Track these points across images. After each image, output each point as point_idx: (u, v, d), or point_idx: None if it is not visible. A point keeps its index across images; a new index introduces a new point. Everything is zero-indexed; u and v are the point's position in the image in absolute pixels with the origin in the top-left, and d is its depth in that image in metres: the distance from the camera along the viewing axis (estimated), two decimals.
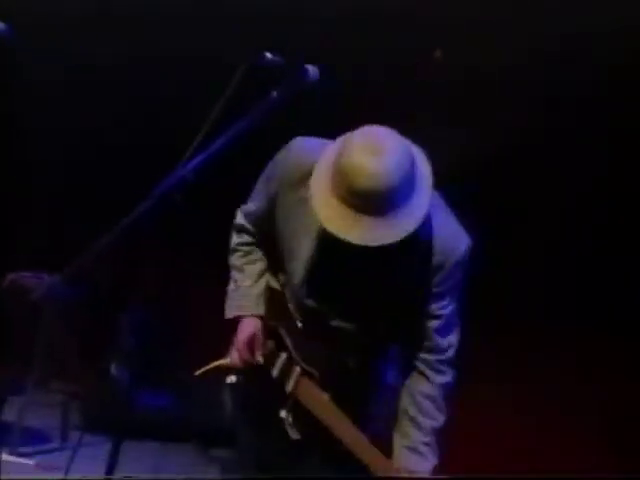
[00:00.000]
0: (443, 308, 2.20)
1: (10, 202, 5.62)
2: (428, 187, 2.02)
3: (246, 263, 2.41)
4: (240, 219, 2.44)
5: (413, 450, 2.21)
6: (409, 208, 1.98)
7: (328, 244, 2.10)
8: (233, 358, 2.34)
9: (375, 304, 2.19)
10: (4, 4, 3.55)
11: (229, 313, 2.39)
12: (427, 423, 2.22)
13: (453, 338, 2.25)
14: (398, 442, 2.23)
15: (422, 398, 2.23)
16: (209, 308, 2.65)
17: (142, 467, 3.99)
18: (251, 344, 2.32)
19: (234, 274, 2.42)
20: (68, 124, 5.30)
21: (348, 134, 2.08)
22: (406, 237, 1.97)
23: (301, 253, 2.21)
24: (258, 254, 2.42)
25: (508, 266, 4.41)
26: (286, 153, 2.27)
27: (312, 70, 2.21)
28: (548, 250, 4.47)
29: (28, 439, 4.46)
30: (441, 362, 2.24)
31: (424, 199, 2.00)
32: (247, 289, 2.38)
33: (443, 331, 2.23)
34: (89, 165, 5.54)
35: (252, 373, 2.34)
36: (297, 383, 2.27)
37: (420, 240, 2.07)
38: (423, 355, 2.23)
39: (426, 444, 2.21)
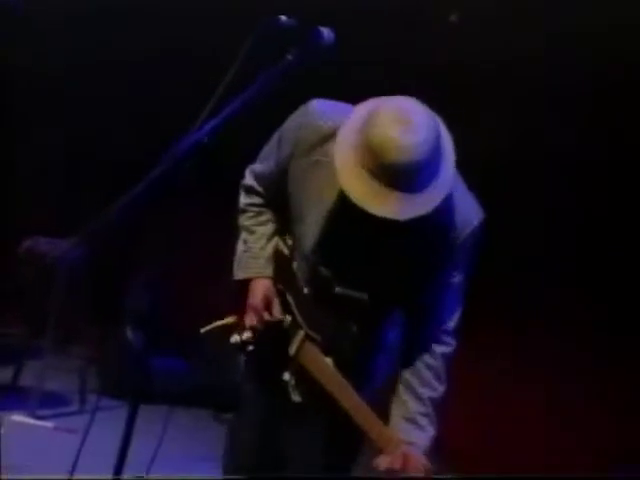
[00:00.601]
0: (452, 278, 2.20)
1: (22, 168, 5.65)
2: (452, 161, 2.02)
3: (256, 224, 2.39)
4: (249, 180, 2.41)
5: (411, 421, 2.20)
6: (436, 181, 1.98)
7: (343, 211, 2.10)
8: (249, 319, 2.32)
9: (385, 272, 2.18)
10: None
11: (240, 274, 2.37)
12: (426, 394, 2.21)
13: (457, 309, 2.24)
14: (396, 412, 2.22)
15: (423, 368, 2.22)
16: (216, 271, 2.63)
17: (155, 431, 4.03)
18: (266, 305, 2.31)
19: (244, 235, 2.40)
20: (81, 92, 5.31)
21: (372, 101, 2.06)
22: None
23: (313, 218, 2.20)
24: (268, 215, 2.40)
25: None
26: (303, 115, 2.24)
27: (327, 33, 2.18)
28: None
29: (46, 402, 4.52)
30: (444, 332, 2.23)
31: (449, 173, 2.01)
32: (258, 251, 2.36)
33: (449, 301, 2.23)
34: (99, 131, 5.55)
35: (258, 334, 2.32)
36: (300, 347, 2.27)
37: (438, 212, 2.04)
38: (426, 324, 2.23)
39: (424, 415, 2.19)
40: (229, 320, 2.37)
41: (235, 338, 2.34)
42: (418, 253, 2.15)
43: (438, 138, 1.99)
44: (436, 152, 1.97)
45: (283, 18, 2.13)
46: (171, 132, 2.27)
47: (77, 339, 5.26)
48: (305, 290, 2.30)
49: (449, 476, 2.25)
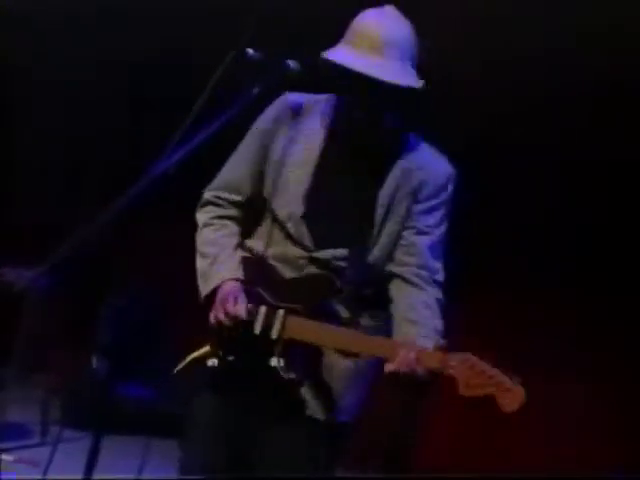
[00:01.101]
0: (432, 226, 2.29)
1: None
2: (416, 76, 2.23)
3: (222, 236, 2.39)
4: (208, 195, 2.44)
5: (411, 322, 2.21)
6: (405, 69, 2.20)
7: (327, 164, 2.28)
8: (214, 315, 2.28)
9: (368, 222, 2.26)
10: None
11: (209, 286, 2.33)
12: (428, 325, 2.21)
13: (441, 265, 2.31)
14: (397, 330, 2.22)
15: (420, 306, 2.24)
16: (192, 298, 2.61)
17: (125, 463, 3.98)
18: (233, 299, 2.28)
19: (208, 249, 2.38)
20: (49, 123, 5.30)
21: None
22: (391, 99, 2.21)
23: (302, 178, 2.29)
24: (232, 227, 2.41)
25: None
26: (282, 97, 2.34)
27: (293, 64, 2.21)
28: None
29: (7, 434, 4.45)
30: (434, 281, 2.28)
31: (413, 77, 2.22)
32: (225, 259, 2.35)
33: (433, 251, 2.29)
34: (70, 151, 5.53)
35: (233, 347, 2.29)
36: (283, 323, 2.23)
37: (405, 155, 2.29)
38: (417, 270, 2.27)
39: (427, 336, 2.19)
40: (204, 350, 2.33)
41: (212, 361, 2.30)
42: (394, 196, 2.27)
43: (414, 46, 2.24)
44: (410, 49, 2.23)
45: (250, 51, 2.16)
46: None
47: (41, 368, 5.20)
48: (282, 270, 2.29)
49: (451, 476, 2.22)
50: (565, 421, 4.66)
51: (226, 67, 2.11)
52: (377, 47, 2.18)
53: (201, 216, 2.44)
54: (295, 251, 2.29)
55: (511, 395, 1.99)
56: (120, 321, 4.85)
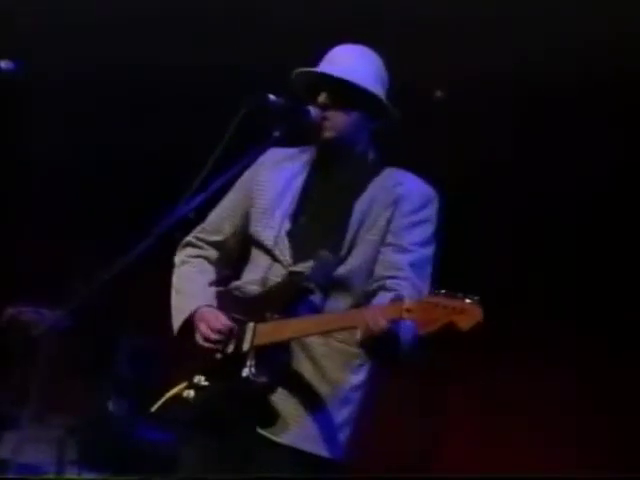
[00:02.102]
0: (414, 244, 2.29)
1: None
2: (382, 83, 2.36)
3: (196, 272, 2.45)
4: (188, 238, 2.50)
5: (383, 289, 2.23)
6: (368, 80, 2.30)
7: (311, 182, 2.37)
8: (203, 333, 2.30)
9: (343, 232, 2.28)
10: None
11: (180, 318, 2.36)
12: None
13: (426, 287, 2.26)
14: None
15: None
16: None
17: None
18: (215, 316, 2.31)
19: (181, 285, 2.43)
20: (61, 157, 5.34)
21: None
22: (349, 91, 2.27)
23: (285, 201, 2.35)
24: (207, 266, 2.47)
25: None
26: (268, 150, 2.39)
27: (313, 111, 2.24)
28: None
29: (24, 474, 4.43)
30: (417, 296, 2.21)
31: (378, 90, 2.32)
32: (198, 292, 2.40)
33: (416, 269, 2.27)
34: (83, 196, 5.58)
35: (207, 371, 2.30)
36: (253, 334, 2.25)
37: (384, 175, 2.35)
38: (397, 281, 2.25)
39: (396, 284, 2.20)
40: (180, 387, 2.33)
41: (188, 393, 2.30)
42: (375, 212, 2.30)
43: (379, 63, 2.37)
44: (377, 66, 2.35)
45: (271, 96, 2.18)
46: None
47: (57, 408, 5.19)
48: (258, 291, 2.31)
49: (451, 476, 2.19)
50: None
51: (246, 112, 2.13)
52: (341, 59, 2.32)
53: (178, 256, 2.51)
54: (276, 269, 2.32)
55: (467, 314, 1.94)
56: (137, 361, 4.84)
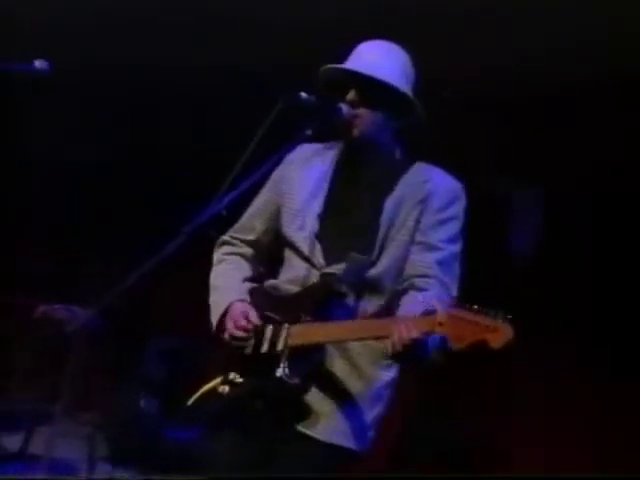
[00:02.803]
0: (442, 241, 2.29)
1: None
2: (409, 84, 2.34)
3: (232, 269, 2.48)
4: (224, 237, 2.53)
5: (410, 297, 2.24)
6: (396, 78, 2.28)
7: (341, 182, 2.36)
8: (230, 331, 2.32)
9: (375, 233, 2.28)
10: None
11: (217, 314, 2.38)
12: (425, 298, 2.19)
13: (454, 284, 2.29)
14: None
15: (422, 295, 2.22)
16: None
17: None
18: (244, 313, 2.33)
19: (218, 282, 2.46)
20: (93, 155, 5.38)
21: None
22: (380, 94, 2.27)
23: (316, 202, 2.35)
24: (242, 262, 2.50)
25: None
26: (297, 146, 2.38)
27: (345, 108, 2.24)
28: None
29: (55, 470, 4.47)
30: (446, 295, 2.24)
31: (406, 88, 2.30)
32: (233, 287, 2.42)
33: (443, 266, 2.28)
34: (112, 197, 5.61)
35: (242, 369, 2.32)
36: (288, 334, 2.26)
37: (412, 171, 2.34)
38: (425, 279, 2.26)
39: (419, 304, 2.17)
40: (215, 382, 2.36)
41: (223, 388, 2.33)
42: (405, 209, 2.30)
43: (409, 68, 2.35)
44: (405, 71, 2.32)
45: (303, 94, 2.18)
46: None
47: (88, 405, 5.23)
48: (291, 291, 2.33)
49: (451, 476, 2.20)
50: None
51: (279, 110, 2.12)
52: (368, 56, 2.30)
53: (216, 254, 2.54)
54: (309, 271, 2.33)
55: (498, 333, 1.97)
56: (166, 361, 4.86)
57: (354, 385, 2.30)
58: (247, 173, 2.16)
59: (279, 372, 2.23)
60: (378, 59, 2.29)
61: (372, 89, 2.25)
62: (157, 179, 5.37)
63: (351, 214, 2.33)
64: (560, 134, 4.44)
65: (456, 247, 2.32)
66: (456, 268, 2.32)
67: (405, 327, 2.06)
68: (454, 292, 2.28)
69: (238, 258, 2.51)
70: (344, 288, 2.27)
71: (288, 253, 2.41)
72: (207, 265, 2.53)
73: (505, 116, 4.41)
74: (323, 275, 2.31)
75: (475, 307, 1.99)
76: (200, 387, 2.39)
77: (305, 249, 2.34)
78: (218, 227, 2.28)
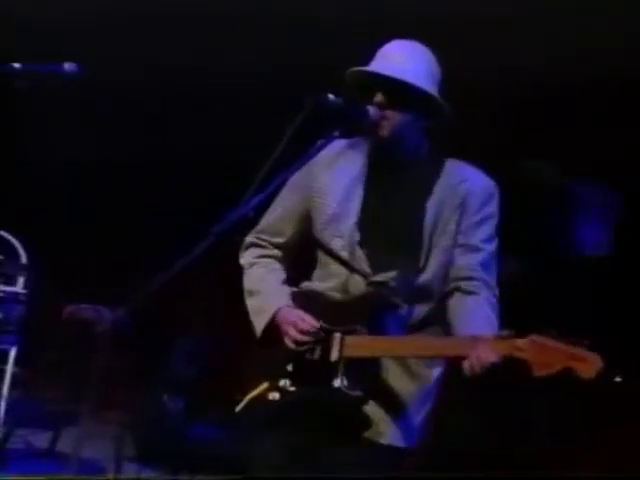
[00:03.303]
0: (482, 241, 2.31)
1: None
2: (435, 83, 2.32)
3: (267, 272, 2.46)
4: (250, 239, 2.50)
5: (481, 319, 2.22)
6: (420, 76, 2.27)
7: (375, 187, 2.34)
8: (290, 335, 2.31)
9: (419, 240, 2.29)
10: None
11: (263, 320, 2.36)
12: (489, 317, 2.24)
13: (494, 281, 2.32)
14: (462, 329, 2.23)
15: (477, 306, 2.25)
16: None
17: None
18: (301, 318, 2.32)
19: (256, 286, 2.44)
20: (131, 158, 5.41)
21: None
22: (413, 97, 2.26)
23: (351, 208, 2.33)
24: (276, 265, 2.48)
25: None
26: (319, 142, 2.34)
27: (372, 110, 2.24)
28: None
29: (83, 469, 4.50)
30: (489, 291, 2.28)
31: (429, 85, 2.29)
32: (274, 291, 2.41)
33: (485, 267, 2.30)
34: (134, 199, 5.65)
35: (294, 377, 2.32)
36: (341, 345, 2.25)
37: (447, 172, 2.33)
38: (472, 282, 2.29)
39: (487, 328, 2.19)
40: (262, 388, 2.35)
41: (273, 395, 2.32)
42: (444, 211, 2.30)
43: (435, 66, 2.33)
44: (431, 70, 2.30)
45: (331, 96, 2.18)
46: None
47: (115, 405, 5.26)
48: (337, 298, 2.32)
49: (451, 476, 2.21)
50: None
51: (307, 112, 2.13)
52: (394, 58, 2.30)
53: (245, 258, 2.51)
54: (354, 279, 2.33)
55: (587, 363, 1.98)
56: (192, 361, 4.88)
57: (409, 387, 2.32)
58: (273, 175, 2.17)
59: (337, 383, 2.23)
60: (404, 60, 2.28)
61: (399, 91, 2.25)
62: (157, 179, 5.39)
63: (392, 220, 2.33)
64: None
65: (494, 246, 2.35)
66: (495, 267, 2.34)
67: (483, 350, 2.08)
68: (497, 291, 2.32)
69: (270, 260, 2.49)
70: (396, 298, 2.29)
71: (325, 259, 2.40)
72: (234, 266, 2.53)
73: (504, 116, 4.39)
74: (373, 284, 2.30)
75: (553, 332, 2.02)
76: (239, 392, 2.39)
77: (346, 256, 2.33)
78: (242, 232, 2.29)
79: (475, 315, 2.23)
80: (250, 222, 2.22)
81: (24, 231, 4.61)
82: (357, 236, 2.33)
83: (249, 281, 2.47)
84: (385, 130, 2.27)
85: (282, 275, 2.47)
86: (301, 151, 2.21)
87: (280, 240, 2.49)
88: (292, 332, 2.30)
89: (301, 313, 2.32)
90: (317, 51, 4.24)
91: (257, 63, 4.31)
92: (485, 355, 2.07)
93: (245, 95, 4.72)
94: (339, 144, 2.40)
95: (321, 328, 2.30)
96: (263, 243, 2.50)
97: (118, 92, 4.97)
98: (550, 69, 4.13)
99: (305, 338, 2.28)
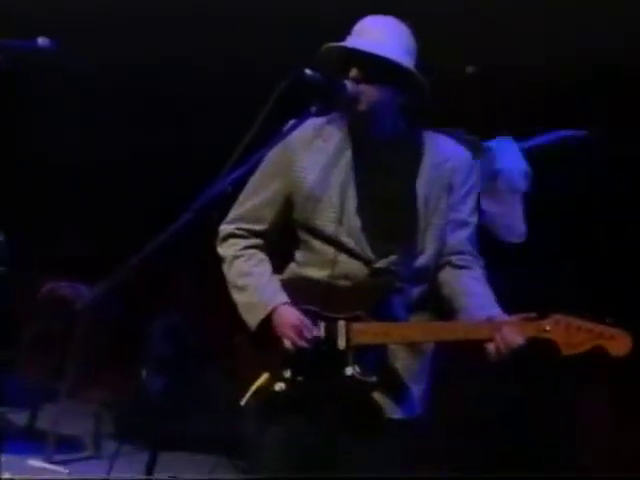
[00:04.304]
0: (470, 215, 2.35)
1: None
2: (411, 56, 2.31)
3: (254, 265, 2.40)
4: (228, 229, 2.44)
5: (484, 298, 2.24)
6: (396, 50, 2.25)
7: (357, 168, 2.32)
8: (289, 340, 2.27)
9: (415, 222, 2.29)
10: None
11: (257, 316, 2.32)
12: (489, 294, 2.25)
13: (478, 252, 2.36)
14: (468, 304, 2.22)
15: (474, 281, 2.27)
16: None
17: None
18: (301, 322, 2.28)
19: (244, 281, 2.38)
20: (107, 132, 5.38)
21: None
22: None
23: (332, 191, 2.32)
24: (261, 255, 2.42)
25: None
26: (293, 122, 2.32)
27: (350, 85, 2.23)
28: None
29: (61, 447, 4.51)
30: (478, 264, 2.32)
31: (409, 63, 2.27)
32: (266, 286, 2.36)
33: (472, 241, 2.34)
34: (119, 174, 5.62)
35: (300, 367, 2.29)
36: (347, 332, 2.24)
37: (429, 149, 2.33)
38: (461, 256, 2.32)
39: (493, 305, 2.20)
40: (264, 379, 2.31)
41: (279, 386, 2.29)
42: (429, 188, 2.31)
43: (407, 33, 2.32)
44: (406, 43, 2.29)
45: (308, 71, 2.17)
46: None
47: (93, 382, 5.26)
48: (337, 284, 2.30)
49: (451, 476, 2.23)
50: None
51: (284, 87, 2.12)
52: (369, 33, 2.28)
53: (226, 250, 2.43)
54: (356, 265, 2.31)
55: (618, 341, 2.00)
56: (174, 338, 4.88)
57: (415, 363, 2.34)
58: (251, 151, 2.16)
59: (349, 371, 2.22)
60: (379, 35, 2.27)
61: (374, 66, 2.23)
62: (156, 179, 5.37)
63: (385, 203, 2.31)
64: None
65: (476, 218, 2.38)
66: (476, 238, 2.38)
67: (509, 332, 2.08)
68: (482, 261, 2.35)
69: (254, 251, 2.42)
70: (398, 282, 2.29)
71: (315, 243, 2.35)
72: (212, 243, 2.50)
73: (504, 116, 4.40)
74: (376, 270, 2.29)
75: (581, 313, 2.03)
76: (235, 383, 2.37)
77: (342, 240, 2.31)
78: (221, 207, 2.27)
79: (477, 290, 2.25)
80: (228, 198, 2.20)
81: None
82: (349, 219, 2.31)
83: (235, 275, 2.40)
84: (363, 105, 2.26)
85: (269, 266, 2.42)
86: (277, 127, 2.20)
87: (261, 227, 2.41)
88: (293, 336, 2.26)
89: (301, 316, 2.28)
90: (317, 51, 4.23)
91: (257, 63, 4.28)
92: (511, 337, 2.07)
93: (245, 95, 4.69)
94: (315, 122, 2.37)
95: (323, 318, 2.28)
96: (244, 233, 2.43)
97: (118, 92, 4.95)
98: (550, 69, 4.13)
99: (306, 345, 2.25)
